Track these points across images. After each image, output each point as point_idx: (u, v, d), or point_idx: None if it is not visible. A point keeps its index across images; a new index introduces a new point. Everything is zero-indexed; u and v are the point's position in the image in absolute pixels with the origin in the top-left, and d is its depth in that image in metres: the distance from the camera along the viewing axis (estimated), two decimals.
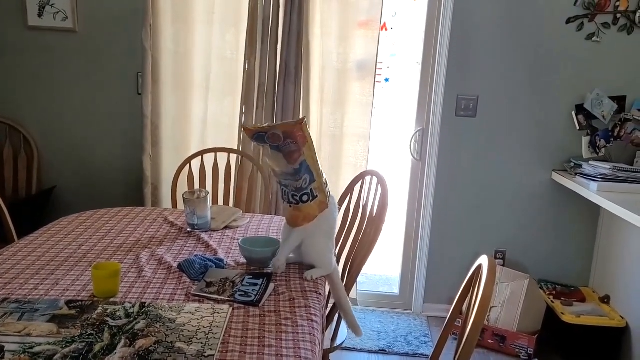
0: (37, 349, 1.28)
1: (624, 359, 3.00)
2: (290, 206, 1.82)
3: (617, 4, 3.12)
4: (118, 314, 1.47)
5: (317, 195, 1.79)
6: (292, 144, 1.70)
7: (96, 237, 2.11)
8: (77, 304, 1.52)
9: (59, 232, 2.14)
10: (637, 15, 3.12)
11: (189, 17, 3.21)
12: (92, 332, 1.37)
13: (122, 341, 1.33)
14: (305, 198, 1.78)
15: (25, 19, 3.35)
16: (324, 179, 1.82)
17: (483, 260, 1.46)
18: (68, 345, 1.31)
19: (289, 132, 1.69)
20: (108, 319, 1.44)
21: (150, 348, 1.31)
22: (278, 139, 1.70)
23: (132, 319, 1.45)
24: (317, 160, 1.78)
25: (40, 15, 3.34)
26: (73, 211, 2.46)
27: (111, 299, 1.57)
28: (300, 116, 3.23)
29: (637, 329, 2.90)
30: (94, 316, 1.45)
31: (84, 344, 1.31)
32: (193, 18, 3.22)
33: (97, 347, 1.30)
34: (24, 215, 3.24)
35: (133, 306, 1.52)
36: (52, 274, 1.74)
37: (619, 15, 3.14)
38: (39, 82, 3.46)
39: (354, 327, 2.04)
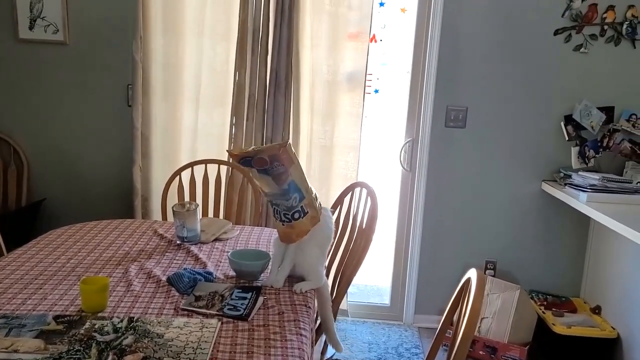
0: None
1: None
2: (283, 224, 1.82)
3: (604, 15, 3.16)
4: (106, 329, 1.46)
5: (307, 212, 1.80)
6: (279, 167, 1.71)
7: (85, 250, 2.10)
8: (65, 319, 1.51)
9: (47, 245, 2.12)
10: (624, 26, 3.15)
11: (179, 29, 3.22)
12: (79, 347, 1.36)
13: (110, 357, 1.33)
14: (296, 215, 1.79)
15: (17, 31, 3.35)
16: (313, 195, 1.82)
17: (472, 274, 1.47)
18: None
19: (275, 157, 1.70)
20: (96, 334, 1.43)
21: None
22: (264, 163, 1.71)
23: (120, 334, 1.44)
24: (305, 178, 1.79)
25: (31, 28, 3.33)
26: (63, 223, 2.45)
27: (99, 314, 1.56)
28: (291, 128, 3.23)
29: (628, 340, 2.91)
30: (82, 331, 1.44)
31: None
32: (183, 30, 3.22)
33: None
34: (13, 228, 3.22)
35: (121, 321, 1.51)
36: (41, 288, 1.72)
37: (606, 27, 3.17)
38: (30, 94, 3.45)
39: (334, 344, 2.06)
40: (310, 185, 1.82)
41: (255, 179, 1.80)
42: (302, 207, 1.79)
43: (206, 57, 3.26)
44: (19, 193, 3.47)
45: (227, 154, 3.29)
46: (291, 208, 1.78)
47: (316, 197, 1.85)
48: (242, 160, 1.73)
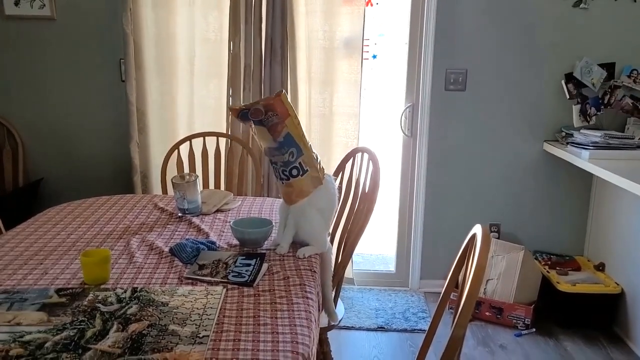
0: (27, 338, 1.26)
1: (620, 324, 3.01)
2: (283, 183, 1.82)
3: None
4: (109, 299, 1.45)
5: (307, 170, 1.79)
6: (273, 117, 1.72)
7: (85, 225, 2.08)
8: (68, 291, 1.49)
9: (47, 222, 2.10)
10: None
11: None
12: (83, 318, 1.34)
13: (115, 326, 1.31)
14: (294, 172, 1.78)
15: (2, 8, 3.27)
16: (314, 154, 1.80)
17: (477, 230, 1.45)
18: (59, 332, 1.28)
19: (269, 105, 1.72)
20: (99, 305, 1.42)
21: (143, 332, 1.29)
22: (260, 114, 1.72)
23: (124, 304, 1.42)
24: (303, 134, 1.79)
25: (17, 4, 3.26)
26: (61, 202, 2.42)
27: (102, 286, 1.55)
28: (289, 97, 3.19)
29: (632, 295, 2.91)
30: (85, 303, 1.43)
31: (75, 331, 1.29)
32: (174, 0, 3.16)
33: (88, 333, 1.28)
34: (11, 209, 3.19)
35: (125, 291, 1.50)
36: (41, 264, 1.71)
37: None
38: (20, 72, 3.39)
39: (329, 313, 2.06)
40: (310, 144, 1.81)
41: (254, 135, 1.81)
42: (300, 163, 1.78)
43: (199, 28, 3.19)
44: (15, 174, 3.43)
45: (225, 125, 3.25)
46: (288, 163, 1.77)
47: (317, 158, 1.83)
48: (240, 114, 1.75)
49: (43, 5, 3.25)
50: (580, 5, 3.14)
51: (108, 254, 1.60)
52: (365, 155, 2.36)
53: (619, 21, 3.15)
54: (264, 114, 1.72)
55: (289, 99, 3.18)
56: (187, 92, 3.28)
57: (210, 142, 3.02)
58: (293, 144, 1.76)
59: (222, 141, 3.19)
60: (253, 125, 1.76)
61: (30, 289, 1.51)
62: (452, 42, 3.22)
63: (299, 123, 1.77)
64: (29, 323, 1.32)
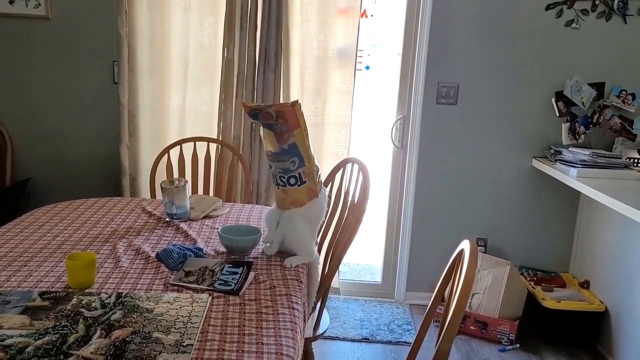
0: (8, 342, 1.24)
1: (604, 342, 3.03)
2: (278, 188, 1.83)
3: None
4: (93, 304, 1.44)
5: (305, 181, 1.79)
6: (282, 125, 1.73)
7: (72, 227, 2.06)
8: (51, 295, 1.48)
9: (32, 223, 2.08)
10: (616, 1, 3.13)
11: (166, 3, 3.15)
12: (66, 323, 1.33)
13: (98, 332, 1.30)
14: (292, 181, 1.79)
15: None
16: (315, 167, 1.81)
17: (465, 245, 1.45)
18: (41, 337, 1.27)
19: (281, 113, 1.73)
20: (83, 309, 1.40)
21: (126, 338, 1.28)
22: (270, 118, 1.73)
23: (108, 309, 1.41)
24: (309, 147, 1.79)
25: (11, 2, 3.24)
26: (49, 203, 2.40)
27: (86, 290, 1.53)
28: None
29: (616, 313, 2.92)
30: (69, 307, 1.41)
31: (57, 336, 1.27)
32: (170, 4, 3.15)
33: (71, 339, 1.27)
34: None
35: (109, 297, 1.49)
36: (26, 266, 1.69)
37: (597, 2, 3.14)
38: (12, 71, 3.37)
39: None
40: (314, 157, 1.81)
41: (262, 136, 1.82)
42: (299, 174, 1.78)
43: (193, 33, 3.19)
44: (3, 173, 3.40)
45: (216, 131, 3.24)
46: (287, 171, 1.78)
47: (318, 171, 1.83)
48: (252, 112, 1.76)
49: (38, 5, 3.24)
50: (572, 25, 3.17)
51: (93, 258, 1.59)
52: (355, 166, 2.37)
53: (610, 41, 3.19)
54: (275, 120, 1.73)
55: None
56: (179, 96, 3.27)
57: (201, 147, 3.01)
58: (296, 154, 1.77)
59: (213, 147, 3.19)
60: (262, 127, 1.78)
61: (14, 291, 1.49)
62: (445, 57, 3.24)
63: (307, 135, 1.78)
64: (11, 326, 1.31)
